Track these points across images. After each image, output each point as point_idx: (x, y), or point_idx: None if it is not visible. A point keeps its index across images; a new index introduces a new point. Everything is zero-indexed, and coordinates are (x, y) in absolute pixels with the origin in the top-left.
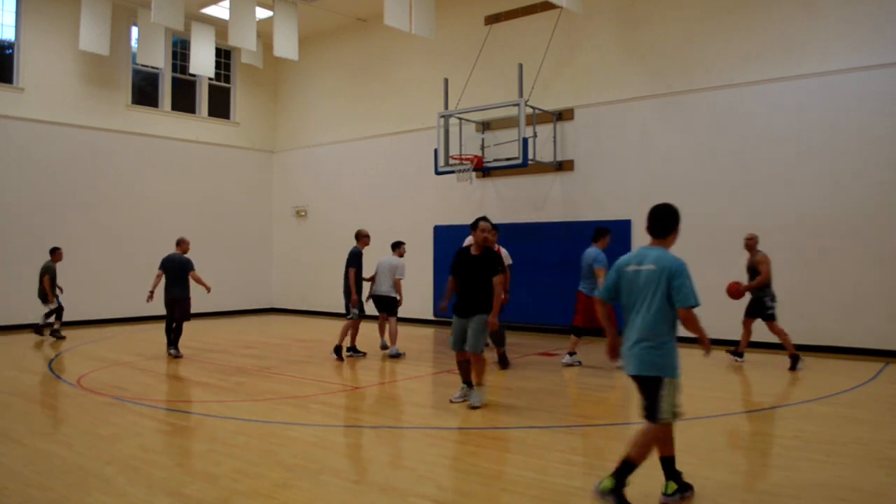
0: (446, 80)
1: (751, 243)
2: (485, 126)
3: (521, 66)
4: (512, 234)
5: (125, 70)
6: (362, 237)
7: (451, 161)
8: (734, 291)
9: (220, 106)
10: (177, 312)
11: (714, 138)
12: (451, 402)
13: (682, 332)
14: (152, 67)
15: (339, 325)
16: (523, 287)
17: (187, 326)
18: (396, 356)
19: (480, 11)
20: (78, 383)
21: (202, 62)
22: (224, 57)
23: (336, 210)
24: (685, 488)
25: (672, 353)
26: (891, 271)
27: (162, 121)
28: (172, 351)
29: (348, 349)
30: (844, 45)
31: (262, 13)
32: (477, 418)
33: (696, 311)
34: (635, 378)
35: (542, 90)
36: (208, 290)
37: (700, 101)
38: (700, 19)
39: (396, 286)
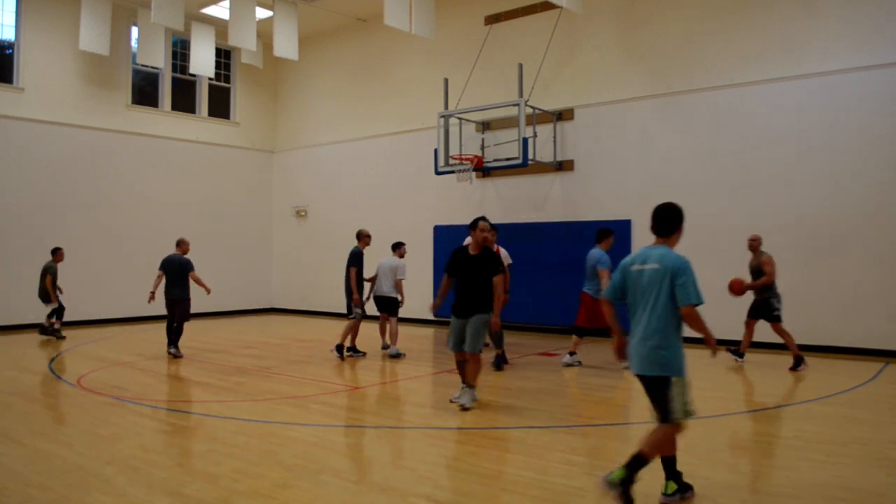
0: (446, 80)
1: (754, 244)
2: (485, 126)
3: (521, 66)
4: (512, 234)
5: (125, 70)
6: (363, 237)
7: (451, 161)
8: (737, 288)
9: (220, 106)
10: (177, 313)
11: (714, 138)
12: (451, 402)
13: (690, 333)
14: (152, 67)
15: (339, 325)
16: (523, 287)
17: (187, 326)
18: (396, 356)
19: (480, 11)
20: (78, 383)
21: (202, 62)
22: (224, 57)
23: (336, 210)
24: (685, 488)
25: (678, 352)
26: (891, 271)
27: (162, 121)
28: (172, 350)
29: (348, 349)
30: (844, 45)
31: (262, 13)
32: (477, 418)
33: (698, 309)
34: (641, 377)
35: (542, 90)
36: (208, 291)
37: (700, 101)
38: (700, 19)
39: (398, 287)
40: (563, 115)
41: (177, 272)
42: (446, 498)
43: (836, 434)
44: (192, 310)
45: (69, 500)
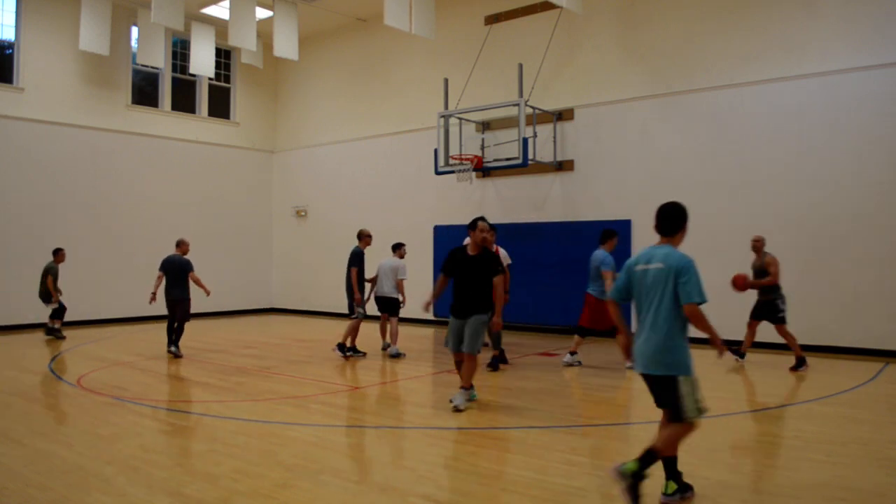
0: (446, 80)
1: (758, 245)
2: (485, 126)
3: (521, 66)
4: (512, 234)
5: (125, 70)
6: (364, 237)
7: (451, 161)
8: (740, 283)
9: (220, 106)
10: (178, 313)
11: (714, 138)
12: (451, 401)
13: (697, 333)
14: (152, 67)
15: (339, 324)
16: (523, 287)
17: (187, 326)
18: (397, 356)
19: (480, 11)
20: (78, 383)
21: (202, 62)
22: (224, 57)
23: (336, 210)
24: (685, 488)
25: (683, 352)
26: (891, 271)
27: (162, 121)
28: (172, 349)
29: (349, 349)
30: (844, 45)
31: (262, 13)
32: (477, 418)
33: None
34: (647, 376)
35: (542, 90)
36: (207, 293)
37: (700, 101)
38: (700, 19)
39: (399, 287)
40: (563, 115)
41: (177, 273)
42: (446, 498)
43: (836, 434)
44: (192, 310)
45: (69, 500)
